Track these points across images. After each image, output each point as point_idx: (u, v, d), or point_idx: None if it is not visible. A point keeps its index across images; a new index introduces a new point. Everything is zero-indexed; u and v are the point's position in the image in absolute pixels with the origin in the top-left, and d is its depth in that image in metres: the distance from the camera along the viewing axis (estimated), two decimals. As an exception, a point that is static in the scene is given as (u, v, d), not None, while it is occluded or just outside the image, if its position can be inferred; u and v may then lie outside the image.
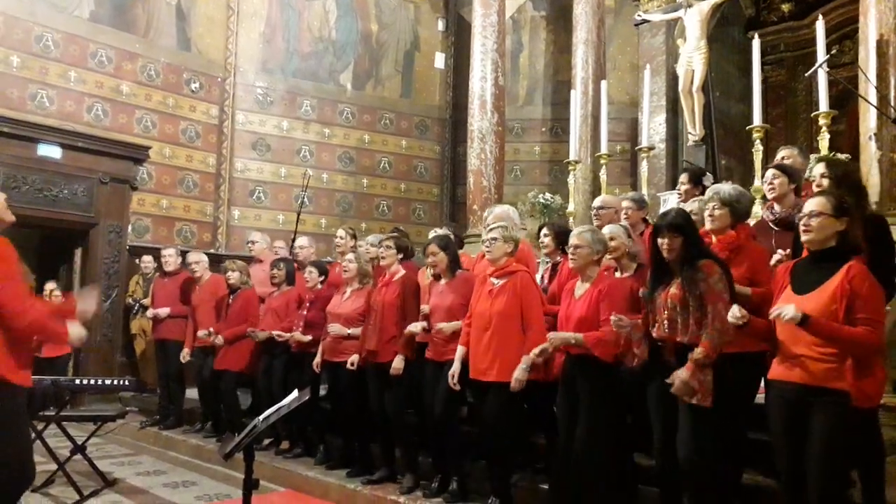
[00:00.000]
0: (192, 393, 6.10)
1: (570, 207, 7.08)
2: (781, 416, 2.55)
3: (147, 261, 7.18)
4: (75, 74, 7.85)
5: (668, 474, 2.97)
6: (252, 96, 9.31)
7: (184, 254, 6.43)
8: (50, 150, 7.09)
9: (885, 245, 2.98)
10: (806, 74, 5.59)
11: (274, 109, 9.43)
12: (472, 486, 3.81)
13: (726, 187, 3.31)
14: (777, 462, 2.61)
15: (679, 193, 4.47)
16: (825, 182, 3.12)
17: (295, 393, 2.77)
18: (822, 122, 5.10)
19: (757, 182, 5.55)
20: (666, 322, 2.86)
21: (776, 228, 3.50)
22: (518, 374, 3.39)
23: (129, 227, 7.85)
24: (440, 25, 10.52)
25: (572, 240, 3.37)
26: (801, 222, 2.60)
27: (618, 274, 3.48)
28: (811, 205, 2.59)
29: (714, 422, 2.77)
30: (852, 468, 2.68)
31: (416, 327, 4.02)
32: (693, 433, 2.77)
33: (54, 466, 4.45)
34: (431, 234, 4.59)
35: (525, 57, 10.24)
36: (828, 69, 4.97)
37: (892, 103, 4.90)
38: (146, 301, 6.83)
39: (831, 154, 4.81)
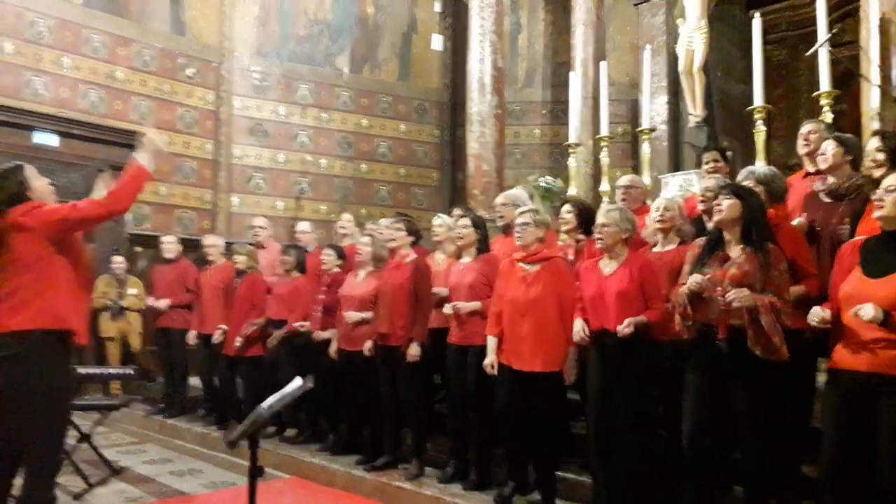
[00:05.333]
0: (194, 381, 6.12)
1: (572, 191, 7.04)
2: (840, 405, 2.41)
3: (118, 261, 6.96)
4: (69, 61, 7.75)
5: (695, 464, 2.83)
6: (248, 81, 9.22)
7: (183, 241, 6.43)
8: (46, 138, 7.05)
9: None
10: (807, 54, 5.50)
11: (270, 94, 9.33)
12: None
13: (762, 167, 3.20)
14: (823, 452, 2.44)
15: (709, 172, 4.35)
16: (881, 156, 2.93)
17: (298, 380, 2.76)
18: (823, 102, 5.04)
19: (758, 163, 5.51)
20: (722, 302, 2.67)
21: (827, 200, 3.27)
22: (569, 368, 3.42)
23: (129, 215, 7.82)
24: (437, 7, 10.38)
25: (600, 218, 3.28)
26: (875, 197, 2.43)
27: (657, 248, 3.42)
28: (890, 179, 2.40)
29: (770, 410, 2.69)
30: None
31: (447, 310, 3.90)
32: (750, 423, 2.67)
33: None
34: (439, 218, 4.59)
35: (524, 38, 10.14)
36: (830, 48, 4.92)
37: (895, 83, 4.85)
38: (125, 302, 6.81)
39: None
